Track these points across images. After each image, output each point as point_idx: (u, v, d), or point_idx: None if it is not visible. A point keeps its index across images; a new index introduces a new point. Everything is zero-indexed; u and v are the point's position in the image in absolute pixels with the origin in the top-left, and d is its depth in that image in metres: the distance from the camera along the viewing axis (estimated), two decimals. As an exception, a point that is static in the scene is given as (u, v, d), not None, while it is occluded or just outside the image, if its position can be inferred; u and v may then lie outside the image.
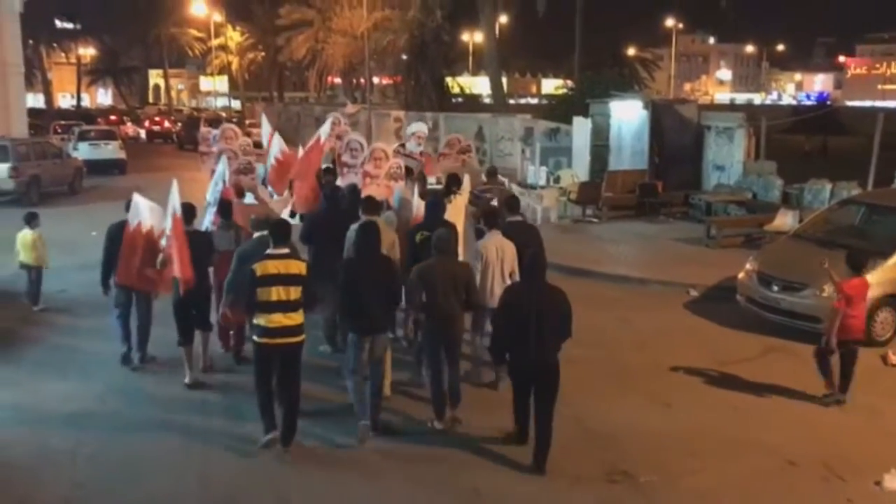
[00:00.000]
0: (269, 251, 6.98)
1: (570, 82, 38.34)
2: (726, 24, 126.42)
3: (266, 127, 13.58)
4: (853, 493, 6.50)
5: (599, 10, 43.28)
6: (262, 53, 74.14)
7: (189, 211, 8.66)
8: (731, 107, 64.10)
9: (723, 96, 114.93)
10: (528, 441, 7.03)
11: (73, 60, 77.98)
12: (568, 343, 6.97)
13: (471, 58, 59.57)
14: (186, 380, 8.55)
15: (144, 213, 8.84)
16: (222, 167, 11.20)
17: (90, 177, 25.79)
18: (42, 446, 7.16)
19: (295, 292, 6.84)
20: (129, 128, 50.30)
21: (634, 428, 7.62)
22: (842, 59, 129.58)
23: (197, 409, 8.03)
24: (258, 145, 14.44)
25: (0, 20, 26.96)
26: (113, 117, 54.86)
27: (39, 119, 41.79)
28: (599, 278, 13.40)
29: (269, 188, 12.46)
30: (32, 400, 8.19)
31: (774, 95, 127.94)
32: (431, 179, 13.03)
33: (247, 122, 42.62)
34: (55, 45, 73.62)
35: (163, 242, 8.58)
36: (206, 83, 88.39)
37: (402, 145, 14.35)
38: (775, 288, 10.53)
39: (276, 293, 6.76)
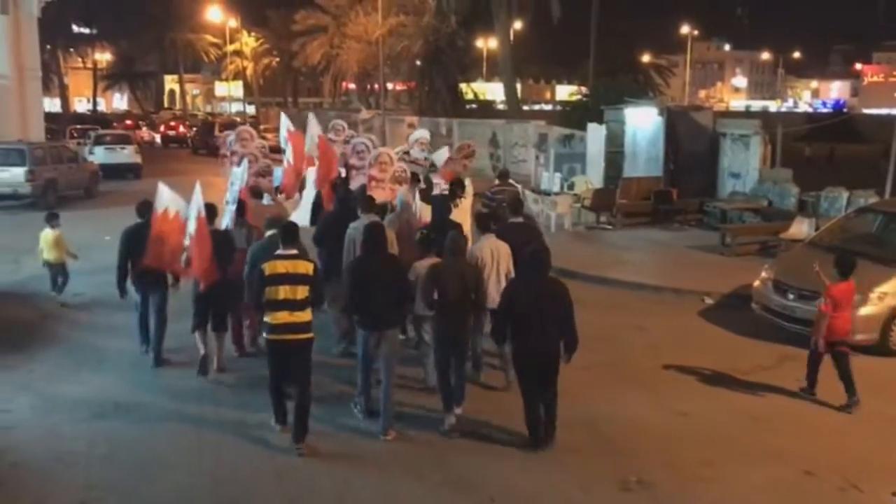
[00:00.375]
0: (278, 252, 7.22)
1: (584, 88, 38.26)
2: (742, 31, 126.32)
3: (286, 127, 13.56)
4: (870, 503, 6.45)
5: (614, 16, 43.24)
6: (277, 59, 74.62)
7: (212, 211, 8.99)
8: (747, 114, 63.92)
9: (738, 103, 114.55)
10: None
11: (90, 65, 78.62)
12: (582, 349, 7.06)
13: (485, 64, 59.60)
14: (201, 352, 8.92)
15: (169, 200, 9.10)
16: (237, 169, 11.39)
17: (106, 181, 25.97)
18: (56, 447, 7.20)
19: (302, 291, 7.04)
20: (145, 132, 50.61)
21: (649, 435, 7.59)
22: (858, 66, 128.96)
23: (210, 406, 8.08)
24: (274, 150, 14.54)
25: (18, 25, 27.25)
26: (128, 122, 55.24)
27: (56, 123, 42.11)
28: (614, 285, 13.37)
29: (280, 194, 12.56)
30: (46, 401, 8.24)
31: (790, 103, 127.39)
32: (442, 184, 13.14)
33: (261, 126, 42.80)
34: (72, 49, 74.23)
35: (186, 242, 8.78)
36: (221, 88, 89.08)
37: (407, 152, 14.51)
38: (791, 296, 10.47)
39: (284, 292, 6.99)
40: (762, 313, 10.98)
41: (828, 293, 8.40)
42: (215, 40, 72.28)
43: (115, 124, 49.28)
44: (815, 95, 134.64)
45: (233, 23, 65.32)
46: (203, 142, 42.20)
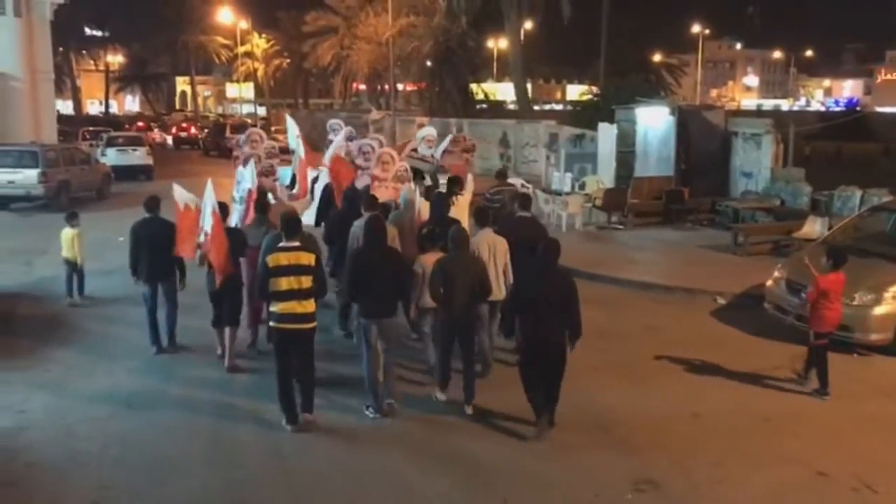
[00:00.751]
0: (281, 244, 7.57)
1: (595, 88, 38.15)
2: (753, 30, 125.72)
3: (294, 129, 13.83)
4: (884, 503, 6.42)
5: (625, 15, 42.92)
6: (288, 60, 74.82)
7: (224, 209, 9.37)
8: (758, 113, 63.60)
9: (750, 102, 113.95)
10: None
11: (102, 67, 79.08)
12: (593, 350, 7.09)
13: (495, 64, 59.55)
14: (218, 351, 9.36)
15: (187, 197, 9.57)
16: (243, 169, 11.55)
17: (118, 182, 26.11)
18: (70, 448, 7.25)
19: (306, 281, 7.38)
20: (157, 134, 50.83)
21: (661, 435, 7.57)
22: (871, 64, 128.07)
23: (223, 407, 8.12)
24: (284, 150, 14.67)
25: (30, 28, 27.45)
26: (140, 124, 55.49)
27: (68, 125, 42.34)
28: (625, 285, 13.34)
29: (293, 191, 12.67)
30: (61, 401, 8.29)
31: (802, 101, 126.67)
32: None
33: (272, 128, 42.91)
34: (84, 52, 74.65)
35: (200, 239, 9.14)
36: (232, 90, 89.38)
37: (415, 149, 14.80)
38: (804, 296, 10.39)
39: (288, 282, 7.33)
40: (775, 313, 10.93)
41: (815, 283, 8.62)
42: (226, 42, 72.53)
43: (127, 126, 49.56)
44: (828, 94, 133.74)
45: (243, 24, 65.47)
46: (214, 143, 42.35)
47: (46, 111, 28.59)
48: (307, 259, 7.46)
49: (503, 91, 56.55)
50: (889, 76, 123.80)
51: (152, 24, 68.38)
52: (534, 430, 7.47)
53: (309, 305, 7.44)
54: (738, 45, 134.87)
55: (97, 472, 6.81)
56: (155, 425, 7.78)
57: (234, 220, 10.15)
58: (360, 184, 11.79)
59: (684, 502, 6.42)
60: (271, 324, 7.57)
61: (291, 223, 7.69)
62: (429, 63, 45.71)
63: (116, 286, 12.39)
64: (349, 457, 7.14)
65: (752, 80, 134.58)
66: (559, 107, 65.93)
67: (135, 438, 7.48)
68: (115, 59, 79.01)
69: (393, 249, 8.33)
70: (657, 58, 54.89)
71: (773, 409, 8.26)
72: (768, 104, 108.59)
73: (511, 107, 47.67)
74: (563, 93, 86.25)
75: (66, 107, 64.62)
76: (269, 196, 11.55)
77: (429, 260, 8.27)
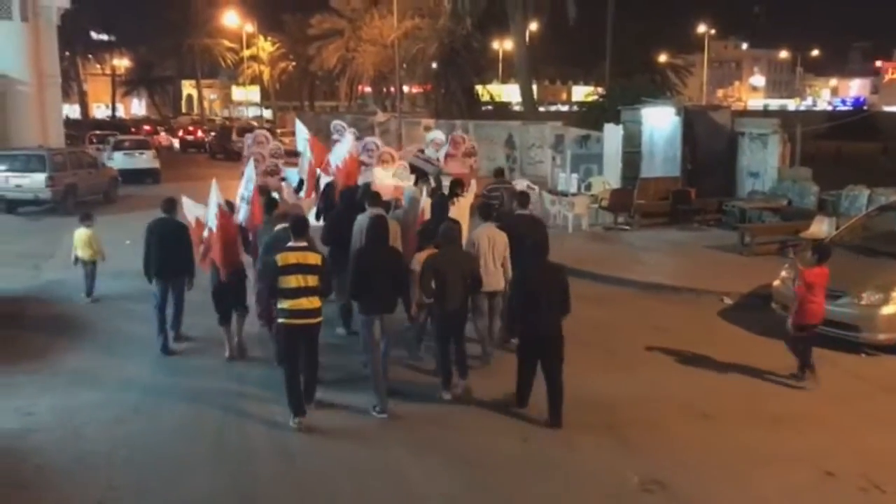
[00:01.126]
0: (290, 244, 7.81)
1: (600, 89, 38.15)
2: (759, 30, 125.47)
3: (303, 132, 13.92)
4: (892, 503, 6.39)
5: (630, 16, 42.92)
6: (294, 63, 74.99)
7: (230, 206, 9.72)
8: (765, 113, 63.45)
9: (756, 102, 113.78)
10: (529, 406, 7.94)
11: (108, 71, 79.29)
12: (600, 350, 7.11)
13: (500, 65, 59.63)
14: (226, 353, 9.61)
15: (196, 210, 9.83)
16: (249, 169, 11.64)
17: (125, 186, 26.19)
18: (78, 450, 7.28)
19: (313, 280, 7.67)
20: (163, 137, 51.01)
21: (671, 439, 7.56)
22: (878, 63, 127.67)
23: (230, 408, 8.17)
24: (291, 153, 14.83)
25: (37, 32, 27.57)
26: (147, 127, 55.75)
27: (75, 129, 42.53)
28: (632, 286, 13.33)
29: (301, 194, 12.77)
30: (69, 403, 8.32)
31: (809, 101, 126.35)
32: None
33: (278, 131, 42.99)
34: (91, 56, 74.82)
35: (204, 234, 9.51)
36: (238, 93, 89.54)
37: (422, 150, 14.97)
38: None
39: (297, 280, 7.60)
40: (782, 313, 10.85)
41: (801, 276, 8.86)
42: (232, 45, 72.78)
43: (133, 130, 49.74)
44: (835, 93, 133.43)
45: (249, 28, 65.70)
46: (221, 146, 42.47)
47: (53, 115, 28.69)
48: (314, 259, 7.74)
49: (508, 92, 56.60)
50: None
51: (158, 27, 68.82)
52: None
53: (316, 301, 7.73)
54: (744, 45, 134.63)
55: (106, 473, 6.83)
56: (163, 426, 7.81)
57: (240, 218, 10.31)
58: (363, 180, 12.02)
59: (692, 503, 6.41)
60: (280, 320, 7.77)
61: (300, 224, 7.94)
62: (434, 65, 45.78)
63: (125, 290, 12.46)
64: (354, 456, 7.17)
65: (758, 79, 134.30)
66: (565, 108, 65.99)
67: (143, 440, 7.51)
68: (122, 63, 79.29)
69: (394, 249, 8.61)
70: (663, 58, 54.81)
71: (780, 409, 8.25)
72: (775, 104, 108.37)
73: (516, 108, 47.69)
74: (569, 94, 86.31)
75: (73, 111, 64.88)
76: (275, 195, 11.62)
77: (423, 257, 8.64)
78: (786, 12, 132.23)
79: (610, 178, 21.24)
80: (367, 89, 69.11)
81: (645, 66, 44.67)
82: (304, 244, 7.81)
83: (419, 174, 12.68)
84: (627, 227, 18.38)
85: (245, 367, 9.40)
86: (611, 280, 13.56)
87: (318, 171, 12.77)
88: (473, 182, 11.51)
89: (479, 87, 48.35)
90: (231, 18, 63.23)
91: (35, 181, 21.35)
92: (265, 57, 73.20)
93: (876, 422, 7.98)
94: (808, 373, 8.88)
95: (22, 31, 27.07)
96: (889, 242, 11.07)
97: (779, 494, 6.55)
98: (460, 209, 10.53)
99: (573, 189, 20.04)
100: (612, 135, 22.16)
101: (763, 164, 18.81)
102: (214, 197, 9.39)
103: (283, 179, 13.62)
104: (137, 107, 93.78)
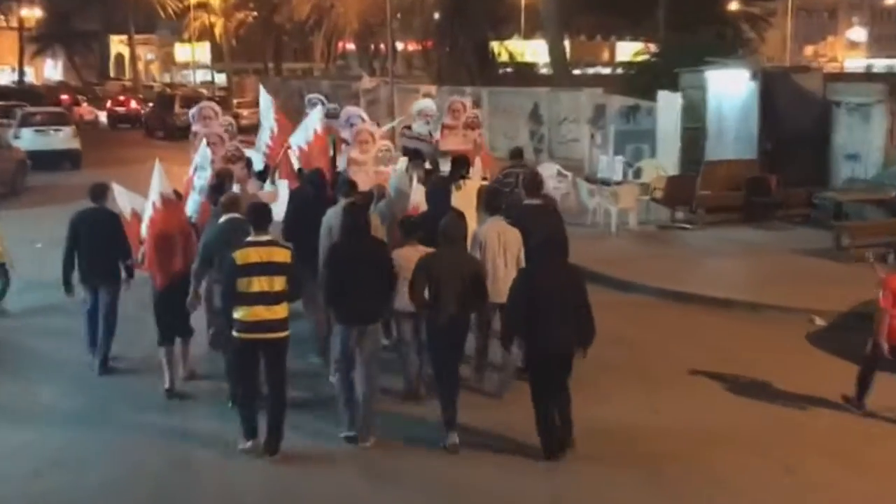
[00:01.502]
0: (249, 238, 7.92)
1: (652, 46, 38.16)
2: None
3: (267, 101, 13.93)
4: None
5: (693, -49, 42.96)
6: (254, 13, 75.06)
7: (178, 197, 9.90)
8: (868, 76, 63.29)
9: (856, 63, 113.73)
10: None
11: (15, 24, 79.45)
12: (653, 387, 7.10)
13: (523, 16, 59.70)
14: (165, 384, 9.53)
15: (133, 200, 9.96)
16: (205, 151, 11.86)
17: (35, 172, 26.24)
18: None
19: (279, 283, 7.76)
20: (86, 110, 51.25)
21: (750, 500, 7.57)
22: None
23: (175, 448, 8.34)
24: (248, 130, 14.85)
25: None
26: (65, 96, 55.76)
27: (-30, 99, 42.63)
28: (694, 303, 13.33)
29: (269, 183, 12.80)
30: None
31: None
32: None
33: (235, 101, 43.12)
34: (-9, 5, 75.22)
35: (143, 230, 9.54)
36: (182, 52, 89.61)
37: (409, 127, 14.85)
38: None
39: (259, 283, 7.67)
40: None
41: (884, 285, 8.94)
42: (174, -10, 72.98)
43: (47, 100, 49.84)
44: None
45: (197, -33, 65.94)
46: (160, 121, 42.57)
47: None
48: (281, 255, 7.86)
49: (533, 51, 56.59)
50: None
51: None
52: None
53: (280, 311, 7.83)
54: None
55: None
56: (89, 481, 7.86)
57: (189, 211, 10.40)
58: (343, 160, 12.11)
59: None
60: (234, 333, 7.85)
61: (261, 212, 8.06)
62: (437, 15, 45.87)
63: (36, 301, 12.60)
64: (321, 490, 7.48)
65: (858, 33, 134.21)
66: (606, 70, 65.95)
67: (65, 498, 7.57)
68: (32, 14, 79.39)
69: (378, 241, 8.86)
70: (734, 5, 54.83)
71: (876, 456, 8.29)
72: (880, 65, 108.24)
73: (544, 71, 47.74)
74: (612, 52, 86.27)
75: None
76: (237, 186, 11.62)
77: (403, 255, 8.75)
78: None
79: (665, 161, 21.24)
80: (350, 47, 69.27)
81: (711, 16, 44.58)
82: (268, 237, 7.91)
83: (412, 156, 12.66)
84: (688, 226, 18.39)
85: (193, 399, 9.51)
86: (665, 294, 13.58)
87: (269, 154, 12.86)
88: (479, 160, 11.43)
89: (495, 45, 48.40)
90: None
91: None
92: (217, 5, 73.35)
93: None
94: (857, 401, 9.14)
95: None
96: None
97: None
98: (466, 196, 10.42)
99: (618, 176, 20.03)
100: (668, 105, 22.16)
101: (865, 143, 18.80)
102: (157, 182, 9.41)
103: (245, 167, 13.63)
104: (52, 70, 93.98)
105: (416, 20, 48.03)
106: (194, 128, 13.74)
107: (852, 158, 19.03)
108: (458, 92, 32.00)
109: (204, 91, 55.67)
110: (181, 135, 27.89)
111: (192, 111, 14.36)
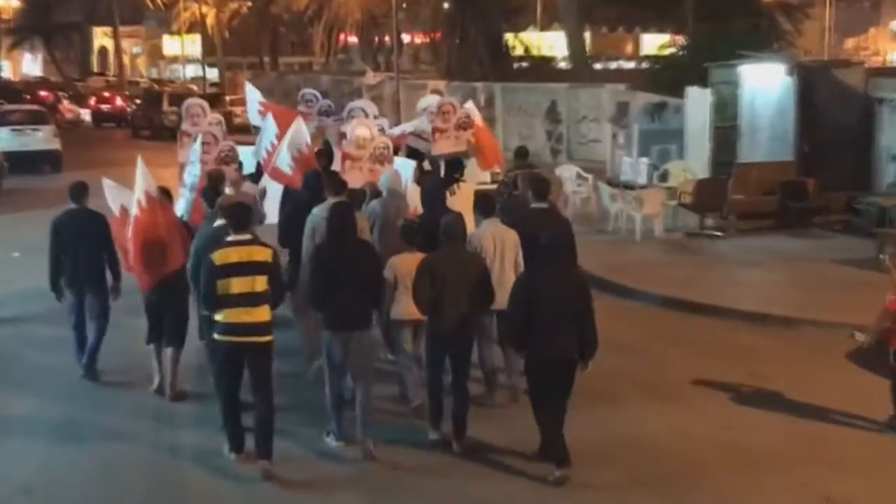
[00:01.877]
0: (229, 238, 8.13)
1: (680, 39, 38.19)
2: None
3: (256, 100, 14.06)
4: None
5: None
6: (249, 3, 75.25)
7: (166, 196, 10.06)
8: (914, 71, 63.18)
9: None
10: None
11: (-10, 16, 79.84)
12: (677, 408, 7.12)
13: (539, 6, 59.78)
14: (154, 384, 9.93)
15: (122, 196, 10.14)
16: (196, 147, 11.98)
17: (13, 175, 26.38)
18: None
19: (261, 283, 7.96)
20: (67, 107, 51.32)
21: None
22: None
23: (162, 463, 8.46)
24: (241, 129, 14.95)
25: None
26: (44, 93, 55.97)
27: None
28: (726, 317, 13.33)
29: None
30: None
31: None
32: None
33: (228, 98, 43.22)
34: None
35: (129, 228, 9.76)
36: (171, 45, 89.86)
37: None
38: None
39: (239, 285, 7.86)
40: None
41: None
42: (163, -22, 73.21)
43: (26, 96, 50.01)
44: None
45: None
46: (147, 119, 42.76)
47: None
48: (262, 255, 8.04)
49: (551, 44, 56.63)
50: None
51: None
52: (556, 475, 7.94)
53: (262, 314, 8.01)
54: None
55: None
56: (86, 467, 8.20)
57: (181, 210, 10.48)
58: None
59: None
60: (215, 336, 8.06)
61: (240, 212, 8.26)
62: (446, 5, 45.94)
63: (18, 311, 12.69)
64: (315, 487, 7.69)
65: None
66: (630, 65, 65.96)
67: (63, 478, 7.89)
68: (9, 4, 79.77)
69: (366, 243, 9.09)
70: (769, -5, 54.86)
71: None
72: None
73: (562, 66, 47.76)
74: (636, 45, 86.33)
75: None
76: (229, 190, 11.72)
77: (402, 262, 8.89)
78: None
79: (694, 163, 21.23)
80: (353, 39, 69.38)
81: (743, 7, 44.60)
82: (248, 237, 8.10)
83: (412, 155, 12.79)
84: (719, 234, 18.38)
85: (181, 406, 9.71)
86: (696, 308, 13.58)
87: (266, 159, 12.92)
88: (473, 162, 11.58)
89: (509, 37, 48.44)
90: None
91: None
92: (209, -5, 73.63)
93: None
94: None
95: None
96: None
97: None
98: (462, 199, 10.62)
99: (642, 179, 20.05)
100: (698, 103, 22.15)
101: (911, 143, 18.78)
102: (142, 181, 9.61)
103: (238, 169, 13.71)
104: (31, 64, 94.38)
105: (423, 10, 48.18)
106: (182, 126, 13.91)
107: (898, 160, 19.04)
108: (469, 89, 32.16)
109: (194, 87, 55.75)
110: (169, 135, 28.06)
111: (182, 111, 14.63)
